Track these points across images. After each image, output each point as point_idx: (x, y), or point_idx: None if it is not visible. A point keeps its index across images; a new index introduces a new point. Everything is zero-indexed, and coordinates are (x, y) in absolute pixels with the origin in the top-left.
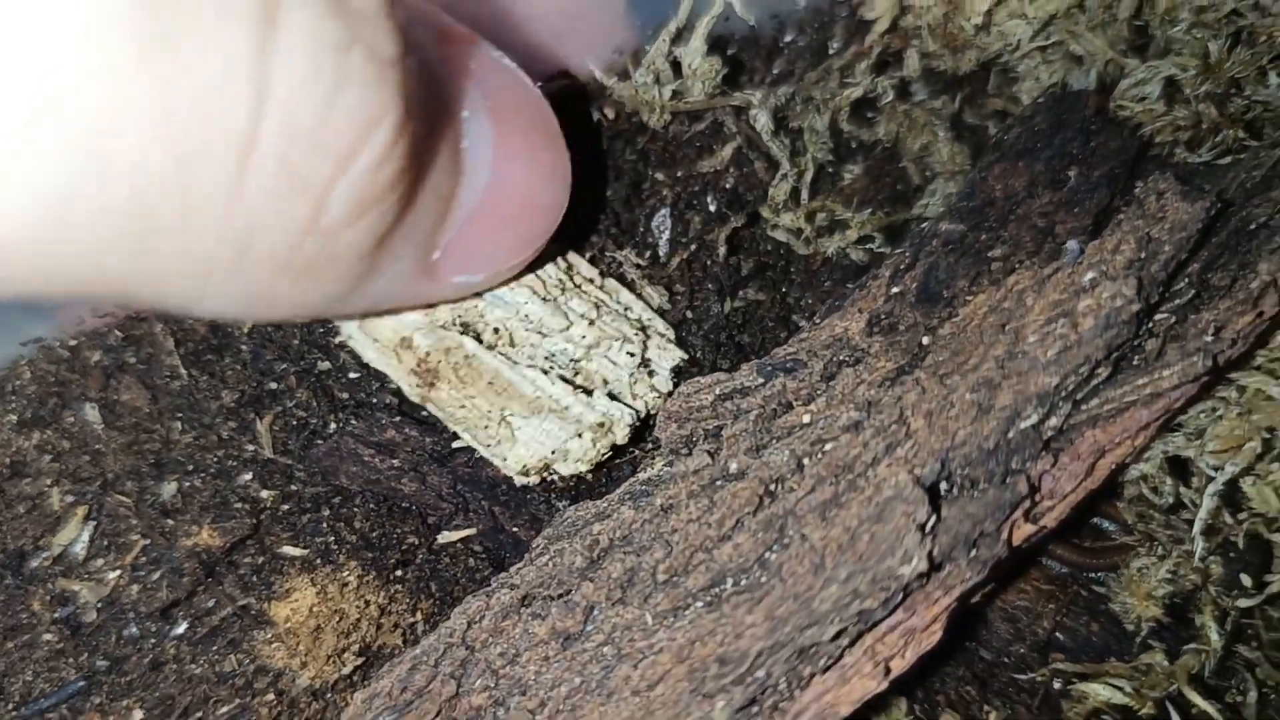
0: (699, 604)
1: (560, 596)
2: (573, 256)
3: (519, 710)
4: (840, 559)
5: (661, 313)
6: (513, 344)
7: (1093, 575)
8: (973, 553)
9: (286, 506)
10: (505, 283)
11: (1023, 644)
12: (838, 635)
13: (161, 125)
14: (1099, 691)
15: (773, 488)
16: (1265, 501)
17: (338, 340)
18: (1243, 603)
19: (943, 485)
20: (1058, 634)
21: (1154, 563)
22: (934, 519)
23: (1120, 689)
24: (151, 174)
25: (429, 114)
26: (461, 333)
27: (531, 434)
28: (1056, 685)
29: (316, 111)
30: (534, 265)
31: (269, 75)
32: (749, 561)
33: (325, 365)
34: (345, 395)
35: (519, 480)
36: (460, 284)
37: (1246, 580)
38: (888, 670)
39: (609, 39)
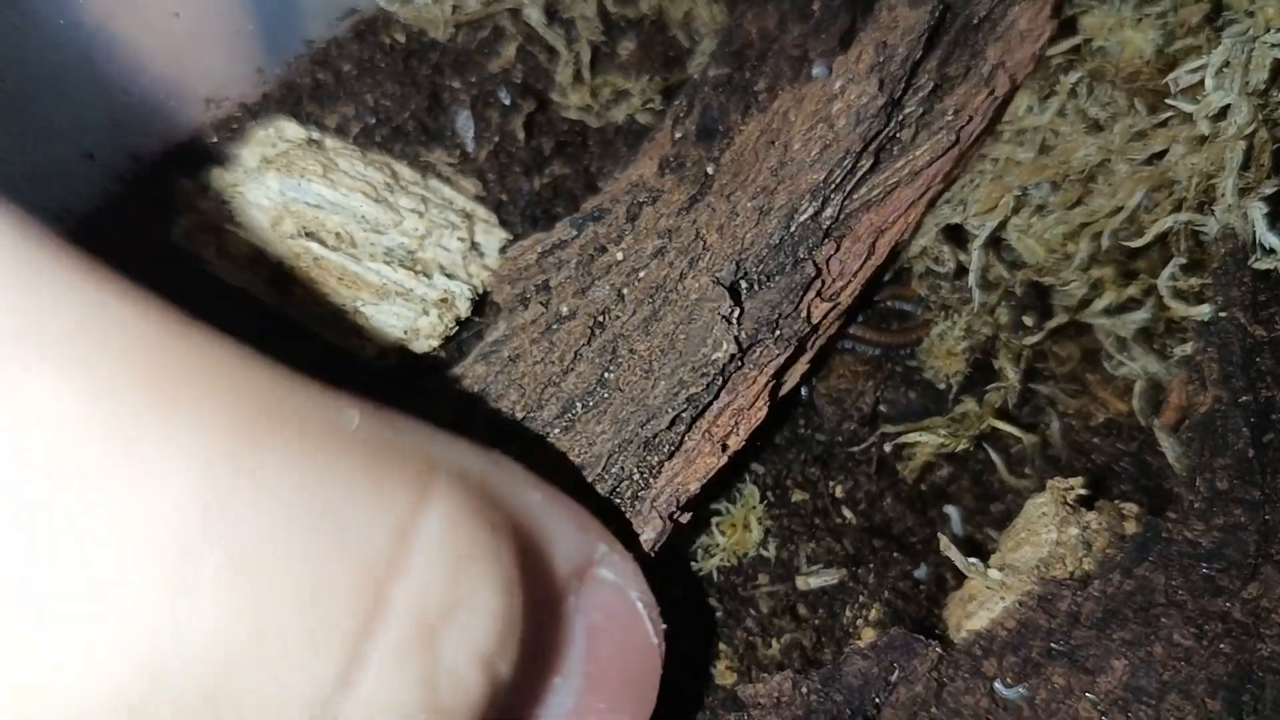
0: (556, 430)
1: None
2: (395, 164)
3: None
4: (664, 360)
5: (480, 200)
6: (354, 244)
7: (902, 352)
8: (777, 332)
9: None
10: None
11: (851, 421)
12: (673, 422)
13: None
14: (923, 439)
15: (600, 319)
16: (1032, 252)
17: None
18: (1029, 340)
19: (743, 284)
20: (881, 407)
21: (950, 325)
22: (737, 311)
23: (938, 434)
24: None
25: None
26: (307, 239)
27: (384, 319)
28: (888, 449)
29: None
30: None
31: None
32: (591, 385)
33: None
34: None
35: (379, 365)
36: None
37: (1029, 321)
38: (724, 446)
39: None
